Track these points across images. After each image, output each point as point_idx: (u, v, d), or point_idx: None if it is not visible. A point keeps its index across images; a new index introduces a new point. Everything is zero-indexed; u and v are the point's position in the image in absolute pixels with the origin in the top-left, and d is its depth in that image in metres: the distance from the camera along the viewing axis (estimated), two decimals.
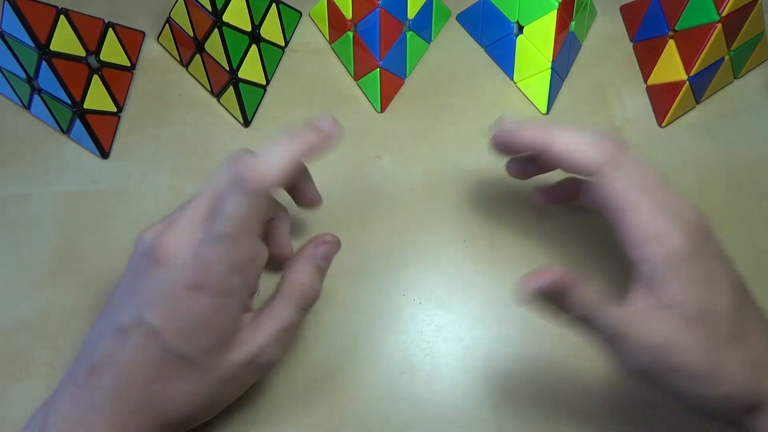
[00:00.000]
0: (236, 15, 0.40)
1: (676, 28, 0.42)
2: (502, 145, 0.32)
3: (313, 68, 0.45)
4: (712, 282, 0.27)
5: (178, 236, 0.28)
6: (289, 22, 0.45)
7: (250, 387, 0.32)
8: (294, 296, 0.31)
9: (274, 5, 0.43)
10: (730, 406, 0.27)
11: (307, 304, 0.31)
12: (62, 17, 0.38)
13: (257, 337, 0.30)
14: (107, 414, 0.28)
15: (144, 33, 0.45)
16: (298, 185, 0.34)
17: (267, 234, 0.34)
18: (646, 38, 0.45)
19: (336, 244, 0.32)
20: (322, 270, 0.32)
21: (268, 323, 0.30)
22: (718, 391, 0.27)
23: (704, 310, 0.26)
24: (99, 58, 0.41)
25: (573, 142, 0.29)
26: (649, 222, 0.27)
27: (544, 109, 0.43)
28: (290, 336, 0.31)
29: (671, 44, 0.42)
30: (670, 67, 0.42)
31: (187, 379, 0.29)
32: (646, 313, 0.27)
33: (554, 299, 0.26)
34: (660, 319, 0.26)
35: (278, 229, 0.34)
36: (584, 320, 0.27)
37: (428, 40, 0.46)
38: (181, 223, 0.28)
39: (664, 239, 0.26)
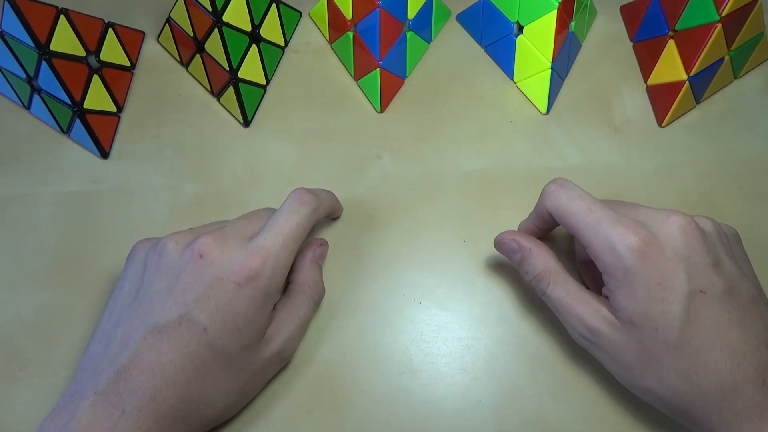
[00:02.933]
0: (236, 15, 0.40)
1: (676, 28, 0.42)
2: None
3: (313, 68, 0.45)
4: (661, 290, 0.28)
5: (223, 239, 0.30)
6: (289, 22, 0.45)
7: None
8: (311, 294, 0.34)
9: (274, 5, 0.43)
10: (664, 406, 0.30)
11: (320, 300, 0.35)
12: (62, 17, 0.38)
13: (284, 331, 0.32)
14: (141, 420, 0.27)
15: (144, 33, 0.45)
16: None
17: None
18: (646, 38, 0.45)
19: (327, 246, 0.37)
20: (321, 269, 0.36)
21: (292, 319, 0.33)
22: (642, 384, 0.29)
23: (644, 314, 0.28)
24: (99, 58, 0.41)
25: (523, 227, 0.36)
26: (598, 236, 0.29)
27: (544, 109, 0.43)
28: (305, 329, 0.35)
29: (671, 44, 0.42)
30: (670, 67, 0.42)
31: (225, 377, 0.29)
32: (594, 303, 0.31)
33: (512, 260, 0.34)
34: (598, 311, 0.30)
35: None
36: (533, 288, 0.33)
37: (428, 40, 0.46)
38: (222, 231, 0.31)
39: (611, 251, 0.29)
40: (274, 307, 0.33)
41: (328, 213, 0.36)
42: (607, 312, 0.30)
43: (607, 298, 0.30)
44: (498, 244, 0.34)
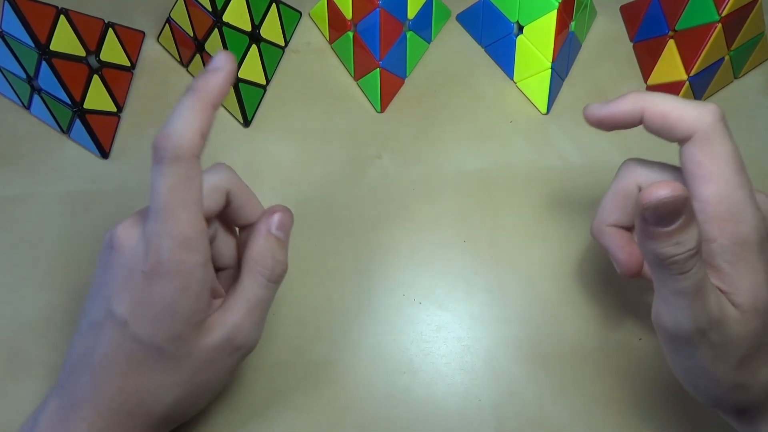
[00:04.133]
0: (236, 15, 0.40)
1: (676, 28, 0.42)
2: (598, 121, 0.29)
3: (313, 68, 0.45)
4: None
5: (132, 224, 0.28)
6: (289, 22, 0.45)
7: (236, 373, 0.32)
8: (257, 270, 0.29)
9: (274, 5, 0.43)
10: (735, 402, 0.27)
11: (273, 275, 0.30)
12: (62, 17, 0.38)
13: (228, 317, 0.29)
14: (86, 413, 0.28)
15: (144, 33, 0.45)
16: (236, 200, 0.31)
17: (233, 217, 0.32)
18: (646, 38, 0.45)
19: (288, 213, 0.31)
20: (280, 241, 0.30)
21: (237, 302, 0.29)
22: (735, 383, 0.26)
23: (766, 300, 0.25)
24: (99, 58, 0.41)
25: (675, 105, 0.27)
26: (728, 199, 0.25)
27: (544, 109, 0.43)
28: (262, 313, 0.30)
29: (671, 44, 0.42)
30: (670, 67, 0.42)
31: (161, 369, 0.28)
32: (716, 290, 0.25)
33: (670, 226, 0.24)
34: (720, 296, 0.25)
35: (245, 209, 0.31)
36: (672, 263, 0.24)
37: (428, 40, 0.46)
38: (138, 212, 0.29)
39: (739, 221, 0.25)
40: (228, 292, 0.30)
41: (211, 110, 0.28)
42: (725, 299, 0.25)
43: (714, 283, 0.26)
44: (657, 204, 0.23)
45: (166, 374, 0.28)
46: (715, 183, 0.25)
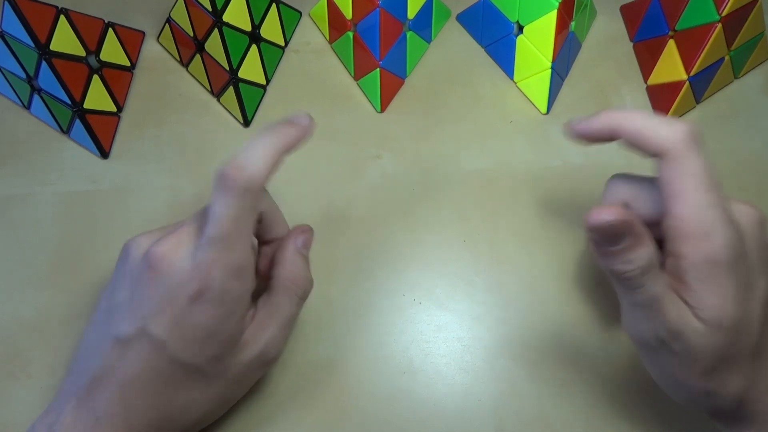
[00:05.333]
0: (236, 15, 0.40)
1: (676, 28, 0.42)
2: (576, 137, 0.30)
3: (313, 68, 0.45)
4: (747, 290, 0.26)
5: (176, 245, 0.28)
6: (289, 22, 0.45)
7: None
8: (294, 290, 0.31)
9: (274, 5, 0.43)
10: (712, 407, 0.28)
11: (306, 294, 0.32)
12: (62, 17, 0.38)
13: (263, 335, 0.30)
14: (114, 427, 0.27)
15: (144, 33, 0.45)
16: (266, 218, 0.32)
17: (260, 233, 0.33)
18: (646, 38, 0.45)
19: (311, 232, 0.33)
20: (306, 259, 0.32)
21: (272, 320, 0.30)
22: (706, 389, 0.27)
23: (731, 318, 0.25)
24: (99, 58, 0.41)
25: (647, 123, 0.27)
26: (696, 218, 0.25)
27: (544, 109, 0.43)
28: (291, 327, 0.32)
29: (671, 44, 0.42)
30: (670, 67, 0.42)
31: (197, 387, 0.28)
32: (679, 302, 0.26)
33: (613, 247, 0.26)
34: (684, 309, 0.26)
35: (273, 226, 0.32)
36: (626, 280, 0.26)
37: (428, 40, 0.46)
38: (179, 232, 0.28)
39: (708, 240, 0.25)
40: (256, 305, 0.31)
41: (277, 159, 0.29)
42: (689, 312, 0.26)
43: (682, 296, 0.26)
44: (599, 226, 0.25)
45: (199, 392, 0.29)
46: (683, 202, 0.26)
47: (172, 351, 0.27)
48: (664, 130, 0.26)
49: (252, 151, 0.27)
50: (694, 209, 0.25)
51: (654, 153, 0.27)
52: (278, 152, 0.28)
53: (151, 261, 0.27)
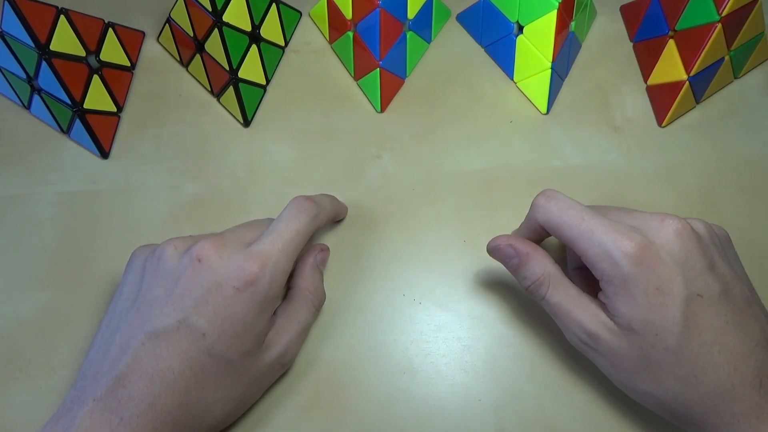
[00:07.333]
0: (236, 15, 0.40)
1: (676, 28, 0.42)
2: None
3: (313, 68, 0.45)
4: (659, 295, 0.28)
5: (222, 244, 0.30)
6: (289, 22, 0.45)
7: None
8: (312, 300, 0.34)
9: (274, 5, 0.43)
10: (661, 408, 0.30)
11: (320, 306, 0.35)
12: (62, 17, 0.38)
13: (283, 338, 0.32)
14: (139, 427, 0.27)
15: (144, 33, 0.45)
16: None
17: None
18: (646, 38, 0.45)
19: (329, 252, 0.37)
20: (322, 275, 0.36)
21: (292, 325, 0.33)
22: (642, 389, 0.29)
23: (640, 320, 0.28)
24: (99, 58, 0.41)
25: (515, 234, 0.35)
26: (593, 245, 0.29)
27: (544, 109, 0.43)
28: (307, 334, 0.35)
29: (671, 44, 0.42)
30: (670, 67, 0.42)
31: (224, 383, 0.29)
32: (593, 308, 0.30)
33: (509, 266, 0.33)
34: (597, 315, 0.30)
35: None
36: (531, 293, 0.32)
37: (428, 40, 0.46)
38: (219, 236, 0.31)
39: (608, 259, 0.28)
40: (274, 313, 0.33)
41: (330, 218, 0.36)
42: (605, 317, 0.30)
43: (603, 303, 0.30)
44: (492, 250, 0.33)
45: (227, 388, 0.29)
46: (572, 244, 0.30)
47: (210, 343, 0.28)
48: (521, 229, 0.34)
49: (326, 199, 0.35)
50: (583, 243, 0.29)
51: (540, 236, 0.33)
52: (334, 214, 0.37)
53: (200, 255, 0.29)
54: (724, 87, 0.44)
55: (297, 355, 0.34)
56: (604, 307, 0.30)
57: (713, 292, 0.28)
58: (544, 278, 0.31)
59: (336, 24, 0.44)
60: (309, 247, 0.36)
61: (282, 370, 0.33)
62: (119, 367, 0.28)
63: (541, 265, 0.31)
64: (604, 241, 0.28)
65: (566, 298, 0.31)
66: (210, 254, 0.29)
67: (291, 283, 0.35)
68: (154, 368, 0.28)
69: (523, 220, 0.36)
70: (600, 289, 0.30)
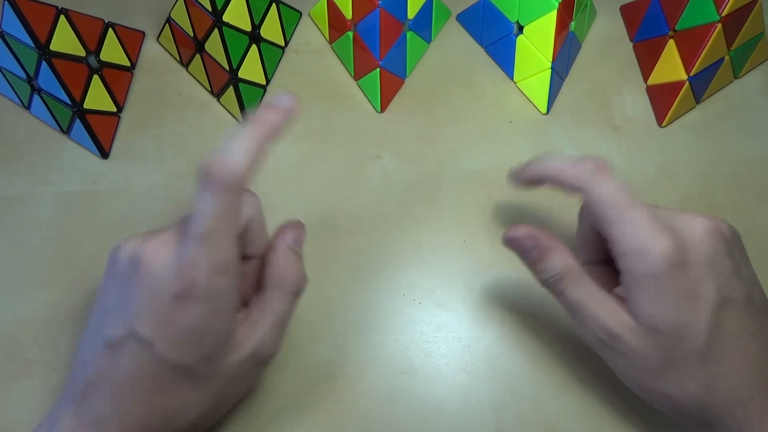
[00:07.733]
0: (236, 15, 0.40)
1: (676, 28, 0.42)
2: (516, 185, 0.34)
3: (313, 68, 0.45)
4: (689, 298, 0.27)
5: (161, 245, 0.27)
6: (289, 22, 0.45)
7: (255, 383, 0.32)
8: (285, 286, 0.30)
9: (274, 5, 0.43)
10: (675, 411, 0.29)
11: (300, 291, 0.31)
12: (62, 17, 0.38)
13: (254, 333, 0.29)
14: (111, 430, 0.27)
15: (144, 33, 0.45)
16: (250, 231, 0.31)
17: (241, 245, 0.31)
18: (646, 38, 0.45)
19: (301, 227, 0.32)
20: (298, 255, 0.31)
21: (265, 318, 0.30)
22: (660, 391, 0.28)
23: (668, 323, 0.27)
24: (99, 58, 0.41)
25: (558, 167, 0.31)
26: (623, 238, 0.27)
27: (544, 109, 0.43)
28: (285, 326, 0.31)
29: (671, 44, 0.42)
30: (670, 67, 0.42)
31: (188, 387, 0.28)
32: (613, 306, 0.29)
33: (525, 258, 0.31)
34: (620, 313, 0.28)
35: (252, 240, 0.31)
36: (549, 287, 0.30)
37: (428, 40, 0.46)
38: (163, 233, 0.28)
39: (643, 255, 0.27)
40: (249, 305, 0.30)
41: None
42: (627, 317, 0.28)
43: (622, 299, 0.28)
44: (510, 241, 0.31)
45: (193, 392, 0.28)
46: (608, 226, 0.28)
47: (160, 352, 0.27)
48: (570, 170, 0.30)
49: (233, 144, 0.26)
50: (618, 232, 0.27)
51: (571, 191, 0.30)
52: (260, 143, 0.27)
53: (137, 262, 0.27)
54: (724, 87, 0.44)
55: (276, 349, 0.30)
56: (624, 305, 0.28)
57: (739, 296, 0.28)
58: (564, 273, 0.29)
59: (336, 24, 0.44)
60: (280, 228, 0.31)
61: (261, 366, 0.30)
62: (88, 373, 0.28)
63: (562, 259, 0.30)
64: (644, 236, 0.27)
65: (586, 295, 0.29)
66: (150, 259, 0.27)
67: (264, 271, 0.31)
68: (115, 375, 0.27)
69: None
70: (614, 286, 0.29)
